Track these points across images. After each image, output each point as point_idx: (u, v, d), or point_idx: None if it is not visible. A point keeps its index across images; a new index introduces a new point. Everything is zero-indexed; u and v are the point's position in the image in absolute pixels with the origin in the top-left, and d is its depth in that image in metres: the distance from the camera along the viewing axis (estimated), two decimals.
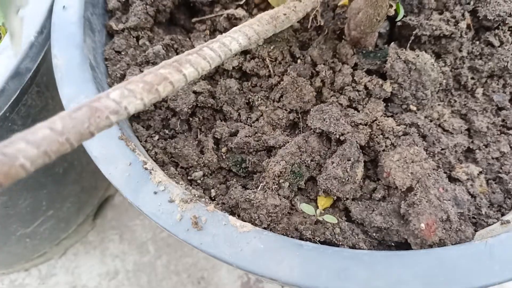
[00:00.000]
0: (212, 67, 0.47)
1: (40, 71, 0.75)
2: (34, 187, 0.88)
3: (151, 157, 0.67)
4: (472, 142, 0.71)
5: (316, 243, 0.62)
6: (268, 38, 0.70)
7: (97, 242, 1.19)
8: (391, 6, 0.64)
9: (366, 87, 0.70)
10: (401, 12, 0.66)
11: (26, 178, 0.86)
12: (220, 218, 0.54)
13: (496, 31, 0.75)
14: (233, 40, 0.51)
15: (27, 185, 0.86)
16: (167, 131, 0.72)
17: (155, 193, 0.56)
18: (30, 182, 0.86)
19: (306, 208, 0.62)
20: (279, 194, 0.63)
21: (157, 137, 0.71)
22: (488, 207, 0.67)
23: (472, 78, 0.75)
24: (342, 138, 0.65)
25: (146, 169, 0.58)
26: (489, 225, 0.65)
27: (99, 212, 1.20)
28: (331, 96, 0.71)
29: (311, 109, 0.68)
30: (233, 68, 0.73)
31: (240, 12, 0.78)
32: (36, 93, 0.77)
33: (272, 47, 0.72)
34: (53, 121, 0.33)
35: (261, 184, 0.64)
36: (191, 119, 0.73)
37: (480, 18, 0.74)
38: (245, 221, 0.62)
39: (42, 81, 0.77)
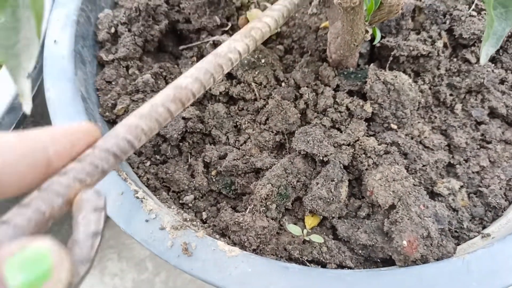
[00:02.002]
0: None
1: (35, 102, 0.77)
2: None
3: (144, 183, 0.70)
4: (453, 157, 0.74)
5: (304, 262, 0.64)
6: (253, 63, 0.73)
7: (95, 261, 1.22)
8: (367, 31, 0.67)
9: (348, 108, 0.73)
10: (378, 36, 0.69)
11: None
12: (209, 243, 0.56)
13: (472, 48, 0.78)
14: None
15: None
16: (158, 157, 0.74)
17: (147, 221, 0.59)
18: None
19: (294, 229, 0.64)
20: (267, 216, 0.66)
21: (148, 163, 0.73)
22: (470, 220, 0.69)
23: (451, 95, 0.77)
24: (325, 159, 0.68)
25: (137, 198, 0.60)
26: (471, 238, 0.68)
27: None
28: (314, 118, 0.73)
29: (296, 131, 0.71)
30: (220, 93, 0.76)
31: (226, 38, 0.80)
32: (32, 123, 0.80)
33: (257, 72, 0.75)
34: None
35: (249, 206, 0.66)
36: (181, 144, 0.75)
37: (456, 36, 0.77)
38: (235, 243, 0.65)
39: (37, 112, 0.80)
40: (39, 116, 0.83)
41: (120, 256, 1.22)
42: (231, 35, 0.81)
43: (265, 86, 0.76)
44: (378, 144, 0.70)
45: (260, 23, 0.56)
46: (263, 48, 0.79)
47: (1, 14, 0.36)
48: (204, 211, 0.71)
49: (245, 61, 0.75)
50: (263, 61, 0.76)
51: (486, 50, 0.49)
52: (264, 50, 0.79)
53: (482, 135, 0.76)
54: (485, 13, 0.78)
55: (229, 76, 0.77)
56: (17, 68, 0.36)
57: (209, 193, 0.73)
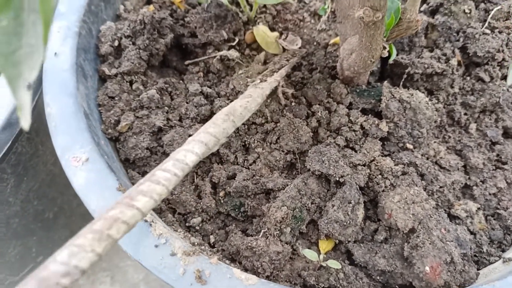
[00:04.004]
0: (170, 188, 0.43)
1: (31, 117, 0.73)
2: (23, 234, 0.85)
3: None
4: (469, 178, 0.72)
5: None
6: None
7: (87, 285, 1.16)
8: (384, 48, 0.64)
9: (362, 127, 0.70)
10: (394, 53, 0.67)
11: (15, 226, 0.82)
12: (224, 271, 0.53)
13: (486, 66, 0.76)
14: (188, 153, 0.47)
15: (17, 233, 0.84)
16: None
17: (156, 246, 0.54)
18: (19, 229, 0.83)
19: (310, 254, 0.61)
20: (281, 240, 0.62)
21: None
22: (489, 244, 0.67)
23: (465, 114, 0.76)
24: (341, 180, 0.65)
25: (146, 221, 0.56)
26: (491, 263, 0.65)
27: None
28: (327, 137, 0.70)
29: (309, 151, 0.68)
30: None
31: (233, 53, 0.78)
32: (27, 140, 0.75)
33: (269, 100, 0.72)
34: None
35: (262, 230, 0.63)
36: None
37: (470, 54, 0.76)
38: (247, 269, 0.61)
39: (32, 128, 0.76)
40: (34, 132, 0.79)
41: (113, 280, 1.16)
42: (238, 50, 0.78)
43: (275, 111, 0.73)
44: (395, 165, 0.67)
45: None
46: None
47: (3, 16, 0.32)
48: (212, 234, 0.67)
49: None
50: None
51: None
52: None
53: (498, 155, 0.74)
54: (498, 31, 0.77)
55: None
56: (17, 78, 0.32)
57: (217, 216, 0.69)
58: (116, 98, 0.72)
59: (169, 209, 0.68)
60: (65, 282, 0.34)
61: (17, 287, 0.33)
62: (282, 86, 0.74)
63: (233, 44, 0.80)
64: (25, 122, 0.31)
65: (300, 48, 0.82)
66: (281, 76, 0.72)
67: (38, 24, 0.33)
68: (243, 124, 0.72)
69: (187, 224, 0.67)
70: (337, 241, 0.65)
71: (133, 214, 0.39)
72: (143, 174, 0.70)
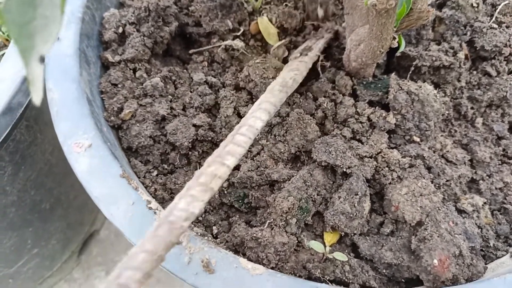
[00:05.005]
0: (247, 149, 0.51)
1: (30, 104, 0.71)
2: (19, 225, 0.83)
3: (151, 194, 0.64)
4: (475, 172, 0.71)
5: (327, 282, 0.59)
6: None
7: (82, 279, 1.14)
8: (394, 38, 0.64)
9: (369, 119, 0.69)
10: (403, 44, 0.66)
11: (12, 217, 0.80)
12: (231, 260, 0.51)
13: (493, 61, 0.76)
14: (257, 120, 0.55)
15: (13, 223, 0.82)
16: (166, 166, 0.69)
17: None
18: (15, 220, 0.81)
19: (316, 245, 0.60)
20: (286, 231, 0.61)
21: (155, 172, 0.68)
22: (495, 238, 0.66)
23: (472, 108, 0.75)
24: (348, 171, 0.64)
25: (150, 208, 0.55)
26: (498, 257, 0.64)
27: (84, 248, 1.15)
28: (334, 128, 0.69)
29: (316, 141, 0.67)
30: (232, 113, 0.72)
31: (238, 43, 0.77)
32: (25, 127, 0.74)
33: None
34: (143, 244, 0.39)
35: (267, 221, 0.61)
36: (190, 153, 0.70)
37: (477, 48, 0.75)
38: (251, 260, 0.59)
39: (31, 115, 0.74)
40: (33, 120, 0.77)
41: (108, 274, 1.14)
42: (243, 40, 0.77)
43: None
44: (402, 157, 0.66)
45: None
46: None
47: None
48: (214, 225, 0.66)
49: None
50: None
51: None
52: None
53: (504, 150, 0.73)
54: (506, 26, 0.77)
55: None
56: (30, 50, 0.30)
57: (220, 206, 0.68)
58: (119, 86, 0.70)
59: (172, 198, 0.66)
60: (185, 225, 0.41)
61: (154, 227, 0.40)
62: (321, 61, 0.76)
63: (238, 34, 0.79)
64: (37, 97, 0.29)
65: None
66: (319, 50, 0.75)
67: None
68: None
69: None
70: (342, 234, 0.64)
71: (224, 171, 0.47)
72: (146, 163, 0.68)
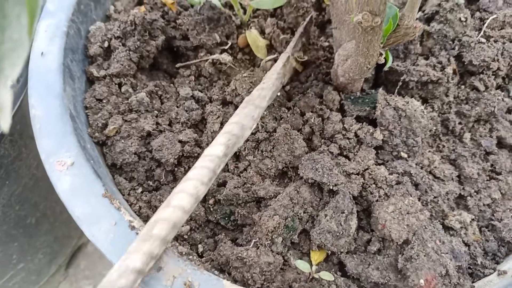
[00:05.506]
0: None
1: (15, 119, 0.70)
2: (4, 240, 0.82)
3: (135, 212, 0.63)
4: (463, 188, 0.70)
5: None
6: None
7: None
8: (381, 54, 0.63)
9: (356, 135, 0.69)
10: (390, 60, 0.66)
11: None
12: (215, 282, 0.50)
13: (481, 75, 0.76)
14: (215, 146, 0.56)
15: None
16: (151, 183, 0.68)
17: None
18: (0, 235, 0.80)
19: (302, 265, 0.59)
20: (272, 251, 0.60)
21: (140, 189, 0.67)
22: (483, 256, 0.66)
23: (460, 123, 0.75)
24: (335, 188, 0.63)
25: (133, 228, 0.54)
26: (486, 275, 0.64)
27: (72, 261, 1.14)
28: (321, 145, 0.69)
29: (302, 158, 0.66)
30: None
31: (225, 57, 0.76)
32: (10, 142, 0.73)
33: (265, 113, 0.71)
34: None
35: (253, 240, 0.61)
36: (176, 169, 0.69)
37: (465, 63, 0.75)
38: (236, 280, 0.59)
39: (15, 130, 0.73)
40: (18, 135, 0.76)
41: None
42: (231, 54, 0.76)
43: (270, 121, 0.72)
44: (389, 174, 0.66)
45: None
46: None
47: None
48: (200, 243, 0.65)
49: None
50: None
51: None
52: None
53: (492, 165, 0.73)
54: (494, 40, 0.76)
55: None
56: None
57: (205, 224, 0.67)
58: (104, 101, 0.70)
59: None
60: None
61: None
62: (293, 55, 0.76)
63: (226, 47, 0.78)
64: (5, 124, 0.28)
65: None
66: (290, 48, 0.75)
67: (23, 17, 0.31)
68: None
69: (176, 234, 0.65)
70: (329, 252, 0.63)
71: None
72: (130, 180, 0.67)
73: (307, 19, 0.80)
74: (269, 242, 0.60)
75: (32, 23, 0.31)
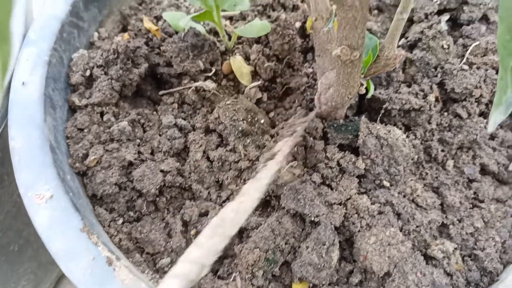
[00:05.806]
0: None
1: None
2: None
3: (115, 244, 0.63)
4: (446, 217, 0.70)
5: None
6: (246, 130, 0.69)
7: None
8: (362, 84, 0.63)
9: (339, 164, 0.68)
10: (371, 89, 0.66)
11: None
12: None
13: (464, 103, 0.76)
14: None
15: None
16: (132, 214, 0.68)
17: None
18: None
19: None
20: (252, 284, 0.60)
21: (121, 220, 0.66)
22: (465, 286, 0.65)
23: (442, 151, 0.75)
24: (316, 220, 0.63)
25: (110, 264, 0.54)
26: None
27: (57, 287, 1.12)
28: (303, 173, 0.69)
29: (285, 187, 0.66)
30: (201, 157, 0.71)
31: (209, 84, 0.76)
32: None
33: (248, 141, 0.70)
34: None
35: (233, 273, 0.60)
36: (157, 199, 0.69)
37: (448, 90, 0.75)
38: None
39: None
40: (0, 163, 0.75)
41: None
42: (215, 80, 0.76)
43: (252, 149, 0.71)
44: (372, 204, 0.66)
45: None
46: (257, 111, 0.75)
47: None
48: None
49: (239, 127, 0.70)
50: (256, 126, 0.72)
51: (495, 118, 0.46)
52: (259, 114, 0.74)
53: (475, 193, 0.73)
54: (476, 67, 0.77)
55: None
56: None
57: None
58: (86, 130, 0.69)
59: (137, 248, 0.65)
60: None
61: None
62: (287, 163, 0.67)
63: (210, 74, 0.78)
64: None
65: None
66: (283, 155, 0.62)
67: None
68: (216, 160, 0.70)
69: (156, 265, 0.64)
70: (311, 285, 0.62)
71: None
72: (111, 211, 0.67)
73: (297, 140, 0.68)
74: (250, 275, 0.60)
75: (3, 76, 0.31)
